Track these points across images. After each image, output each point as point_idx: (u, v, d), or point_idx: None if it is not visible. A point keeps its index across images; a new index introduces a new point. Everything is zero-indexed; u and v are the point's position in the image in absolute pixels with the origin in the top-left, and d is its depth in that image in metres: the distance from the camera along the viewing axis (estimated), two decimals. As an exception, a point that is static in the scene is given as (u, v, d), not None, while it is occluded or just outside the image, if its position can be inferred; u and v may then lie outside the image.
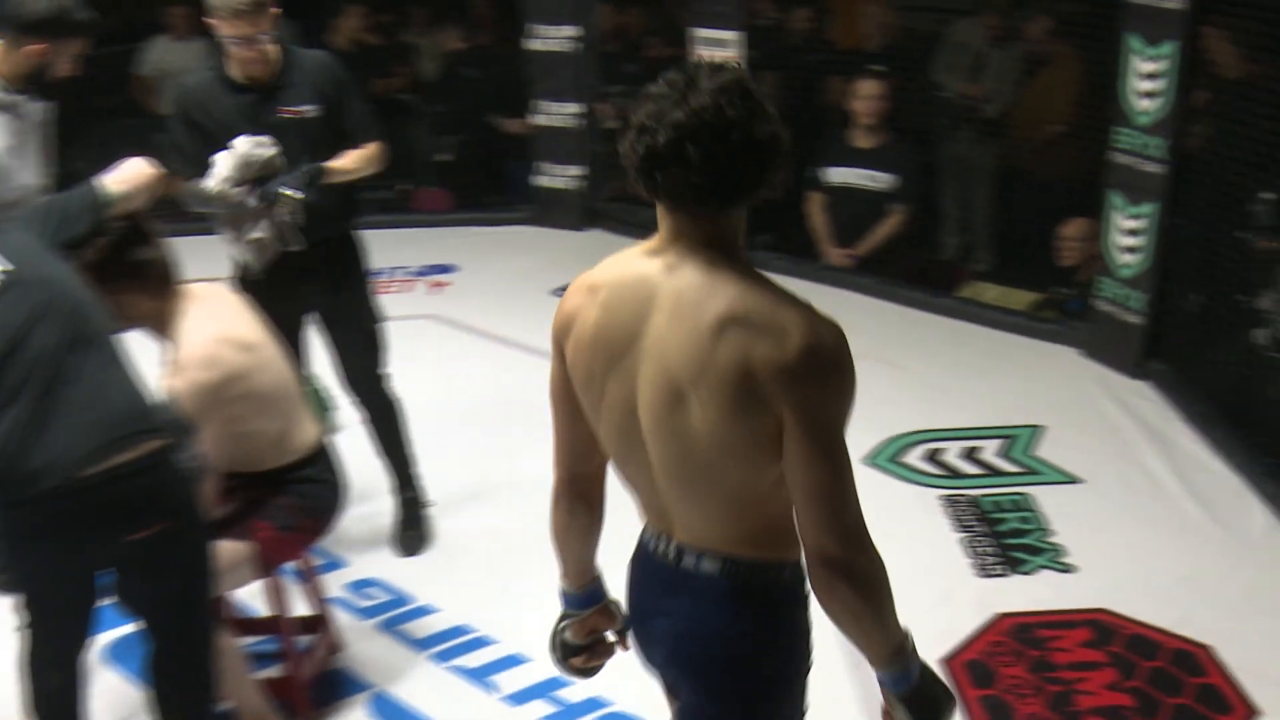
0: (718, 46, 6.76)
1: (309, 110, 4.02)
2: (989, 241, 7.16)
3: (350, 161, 4.08)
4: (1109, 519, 4.74)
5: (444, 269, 7.41)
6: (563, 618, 2.51)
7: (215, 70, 4.02)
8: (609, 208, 7.93)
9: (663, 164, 1.96)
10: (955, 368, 5.98)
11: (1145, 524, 4.71)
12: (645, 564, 2.33)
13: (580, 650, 2.51)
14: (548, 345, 2.25)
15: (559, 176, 7.96)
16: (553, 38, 7.69)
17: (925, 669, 2.20)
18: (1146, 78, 5.55)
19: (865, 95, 6.57)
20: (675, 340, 2.05)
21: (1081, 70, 6.50)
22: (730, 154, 1.95)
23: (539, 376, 2.45)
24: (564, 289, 2.25)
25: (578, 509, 2.38)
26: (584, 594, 2.48)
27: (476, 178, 8.24)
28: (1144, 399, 5.69)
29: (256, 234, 3.98)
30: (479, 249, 7.70)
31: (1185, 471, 5.08)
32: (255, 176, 3.88)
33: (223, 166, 3.86)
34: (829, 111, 6.99)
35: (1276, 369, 5.31)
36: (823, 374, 2.01)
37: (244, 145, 3.88)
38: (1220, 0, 5.47)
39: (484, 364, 6.06)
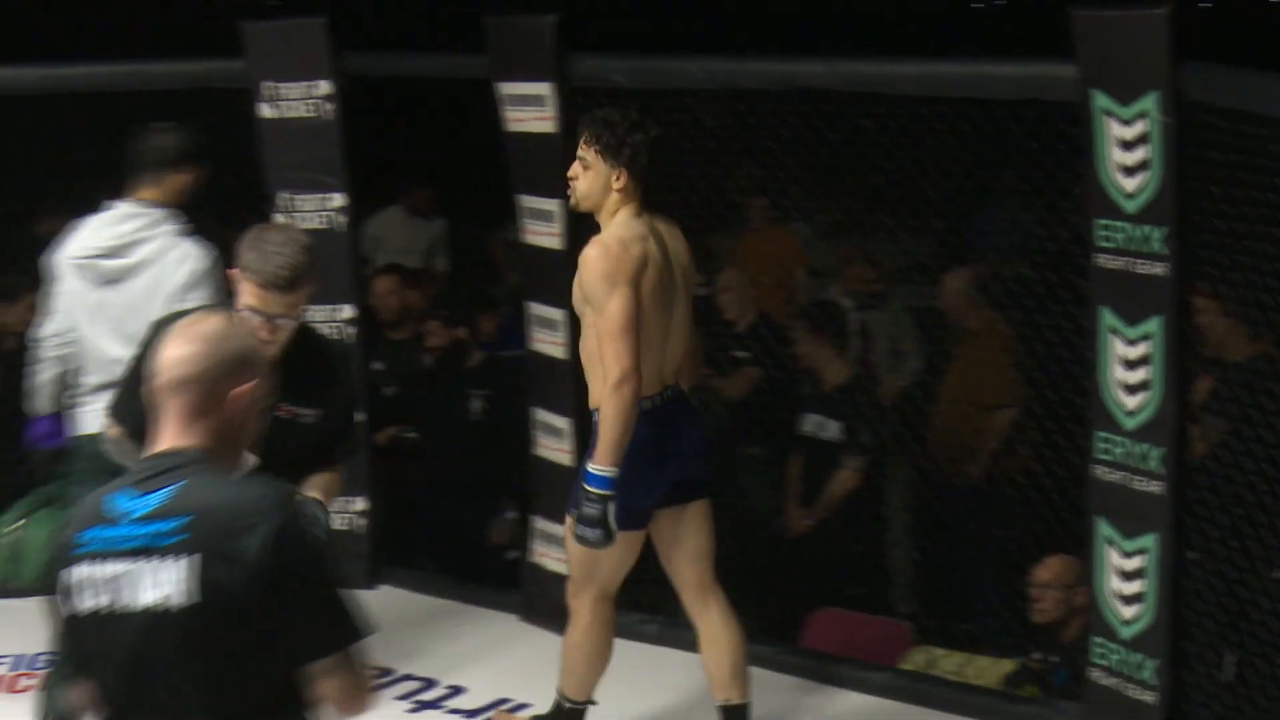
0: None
1: (308, 415, 3.57)
2: (912, 581, 5.71)
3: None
4: None
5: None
6: (604, 499, 3.62)
7: None
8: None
9: (652, 156, 3.88)
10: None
11: None
12: (662, 415, 3.86)
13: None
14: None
15: (339, 513, 5.46)
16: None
17: None
18: (1128, 365, 4.16)
19: None
20: (683, 258, 3.99)
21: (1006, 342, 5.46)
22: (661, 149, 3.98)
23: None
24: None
25: None
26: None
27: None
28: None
29: None
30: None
31: None
32: None
33: None
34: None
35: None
36: None
37: None
38: (1207, 264, 4.17)
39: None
